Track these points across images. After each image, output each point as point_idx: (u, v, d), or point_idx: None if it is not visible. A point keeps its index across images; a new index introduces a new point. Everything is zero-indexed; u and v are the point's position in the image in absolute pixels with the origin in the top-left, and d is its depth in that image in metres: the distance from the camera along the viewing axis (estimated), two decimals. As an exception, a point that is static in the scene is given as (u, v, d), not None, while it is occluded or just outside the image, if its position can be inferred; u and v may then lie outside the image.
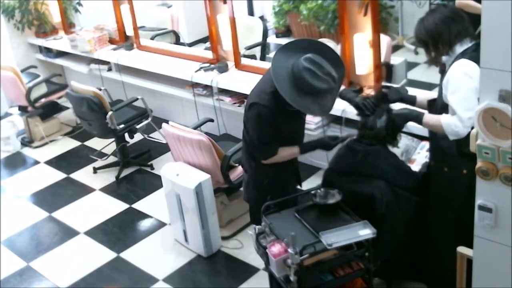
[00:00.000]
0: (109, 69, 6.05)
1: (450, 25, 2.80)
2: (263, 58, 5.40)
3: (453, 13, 2.86)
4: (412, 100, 3.20)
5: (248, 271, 3.86)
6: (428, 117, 2.93)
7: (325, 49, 3.06)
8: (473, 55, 2.74)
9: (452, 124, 2.76)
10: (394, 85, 3.81)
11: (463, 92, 2.71)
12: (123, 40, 6.06)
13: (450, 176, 2.97)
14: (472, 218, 2.49)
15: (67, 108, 6.26)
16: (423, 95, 3.21)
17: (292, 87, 2.93)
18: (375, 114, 3.14)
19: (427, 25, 2.86)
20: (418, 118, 2.96)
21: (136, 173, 5.26)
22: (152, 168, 5.25)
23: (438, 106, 2.94)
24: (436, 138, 2.98)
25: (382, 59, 4.28)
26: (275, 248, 2.85)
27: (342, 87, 3.34)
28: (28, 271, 4.16)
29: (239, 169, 4.06)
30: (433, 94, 3.17)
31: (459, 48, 2.81)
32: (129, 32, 5.96)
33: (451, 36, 2.79)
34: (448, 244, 2.94)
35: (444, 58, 2.86)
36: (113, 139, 5.31)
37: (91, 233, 4.50)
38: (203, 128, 4.59)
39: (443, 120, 2.81)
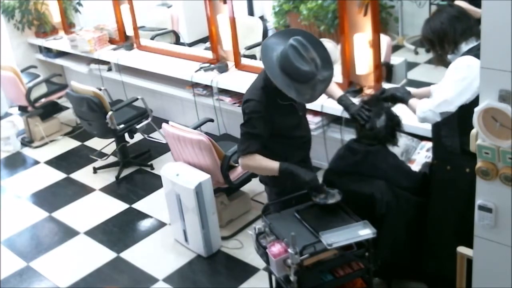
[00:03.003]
0: (109, 69, 6.05)
1: (455, 24, 2.85)
2: (263, 58, 5.39)
3: (458, 13, 2.90)
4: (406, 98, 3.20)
5: (248, 271, 3.86)
6: (414, 99, 3.04)
7: (319, 45, 3.01)
8: (478, 53, 2.74)
9: (423, 106, 2.88)
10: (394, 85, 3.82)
11: (449, 81, 2.79)
12: (123, 40, 6.06)
13: (453, 175, 2.98)
14: (474, 217, 2.49)
15: (67, 108, 6.26)
16: (416, 91, 3.24)
17: (277, 67, 2.90)
18: (373, 114, 3.14)
19: (433, 24, 2.90)
20: (406, 98, 3.08)
21: (136, 173, 5.26)
22: (152, 168, 5.25)
23: None
24: (439, 136, 2.99)
25: (382, 59, 4.28)
26: (275, 248, 2.85)
27: (341, 92, 3.30)
28: (28, 271, 4.16)
29: (239, 169, 4.07)
30: (426, 90, 3.20)
31: (464, 47, 2.85)
32: (129, 32, 5.96)
33: (456, 34, 2.84)
34: (448, 244, 2.94)
35: (449, 57, 2.89)
36: (113, 139, 5.31)
37: (91, 233, 4.50)
38: (203, 128, 4.60)
39: (419, 102, 2.93)
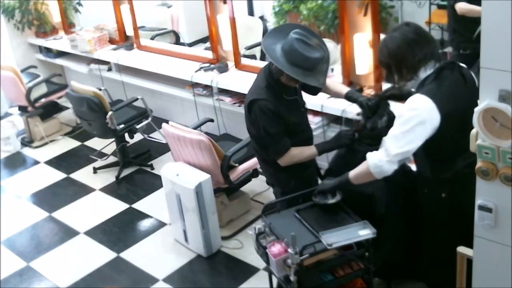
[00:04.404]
0: (109, 69, 6.05)
1: (414, 48, 2.67)
2: (263, 58, 5.40)
3: (417, 34, 2.71)
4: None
5: (248, 271, 3.86)
6: (352, 172, 2.87)
7: (309, 30, 3.10)
8: (431, 87, 2.65)
9: (376, 159, 2.70)
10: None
11: (405, 128, 2.63)
12: (123, 40, 6.06)
13: (430, 198, 2.94)
14: (466, 224, 2.51)
15: (67, 108, 6.26)
16: None
17: (286, 62, 2.96)
18: (376, 115, 3.14)
19: (390, 46, 2.72)
20: (343, 181, 2.93)
21: (136, 173, 5.26)
22: (152, 168, 5.25)
23: None
24: (415, 159, 2.93)
25: (382, 59, 4.27)
26: (275, 248, 2.85)
27: (347, 89, 3.35)
28: (28, 271, 4.17)
29: (239, 169, 4.07)
30: None
31: (423, 73, 2.71)
32: (129, 32, 5.95)
33: (415, 59, 2.67)
34: (446, 244, 2.94)
35: (409, 84, 2.79)
36: (113, 139, 5.31)
37: (91, 233, 4.50)
38: (203, 128, 4.60)
39: (369, 159, 2.73)
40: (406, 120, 2.63)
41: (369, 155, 2.75)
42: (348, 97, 3.28)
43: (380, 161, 2.69)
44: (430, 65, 2.71)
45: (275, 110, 3.07)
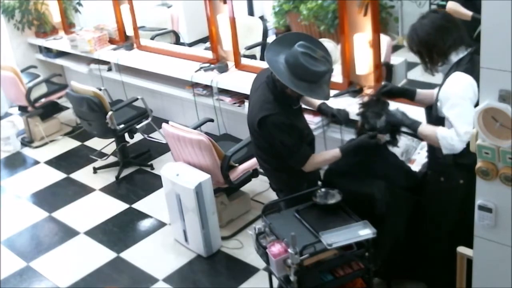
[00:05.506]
0: (109, 69, 6.05)
1: (444, 35, 2.73)
2: (263, 58, 5.39)
3: (445, 21, 2.78)
4: (412, 95, 3.18)
5: (248, 271, 3.86)
6: (424, 127, 2.89)
7: (313, 39, 3.09)
8: (468, 67, 2.72)
9: (448, 137, 2.73)
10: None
11: (462, 106, 2.68)
12: (123, 40, 6.06)
13: (446, 186, 2.96)
14: (469, 224, 2.50)
15: (67, 108, 6.26)
16: (423, 91, 3.20)
17: (291, 76, 2.95)
18: (375, 114, 3.13)
19: (420, 34, 2.77)
20: (413, 126, 2.92)
21: (136, 173, 5.26)
22: (152, 168, 5.25)
23: (433, 118, 2.91)
24: (432, 148, 2.96)
25: (382, 59, 4.27)
26: (275, 248, 2.86)
27: (320, 101, 3.38)
28: (28, 271, 4.17)
29: (239, 169, 4.07)
30: (429, 92, 3.16)
31: (454, 57, 2.77)
32: (129, 32, 5.95)
33: (445, 45, 2.74)
34: (446, 245, 2.94)
35: (440, 68, 2.82)
36: (113, 139, 5.31)
37: (91, 233, 4.50)
38: (203, 128, 4.60)
39: (439, 133, 2.77)
40: (457, 101, 2.68)
41: (440, 131, 2.76)
42: (321, 110, 3.37)
43: (452, 139, 2.72)
44: (461, 50, 2.77)
45: (288, 122, 3.07)
